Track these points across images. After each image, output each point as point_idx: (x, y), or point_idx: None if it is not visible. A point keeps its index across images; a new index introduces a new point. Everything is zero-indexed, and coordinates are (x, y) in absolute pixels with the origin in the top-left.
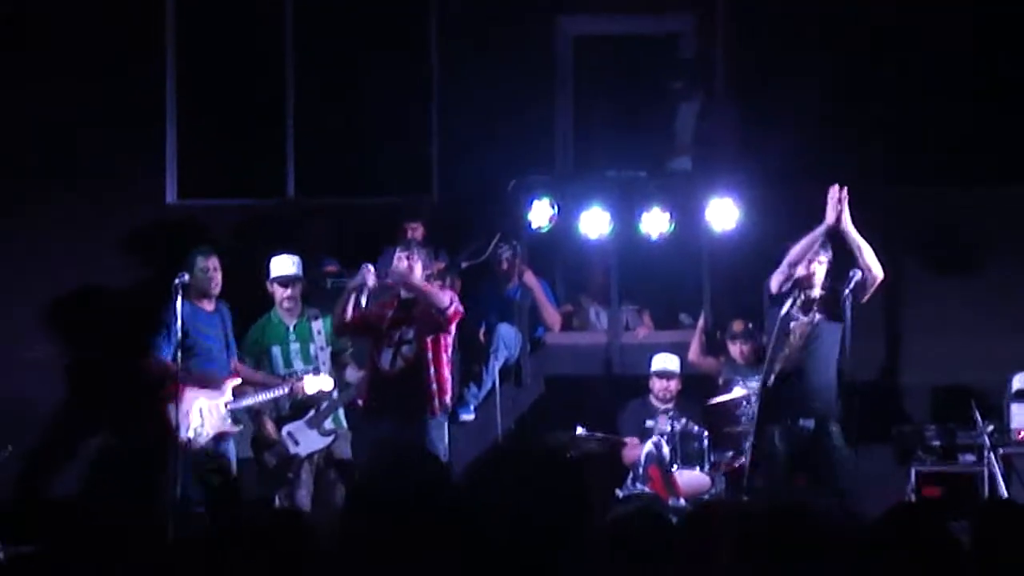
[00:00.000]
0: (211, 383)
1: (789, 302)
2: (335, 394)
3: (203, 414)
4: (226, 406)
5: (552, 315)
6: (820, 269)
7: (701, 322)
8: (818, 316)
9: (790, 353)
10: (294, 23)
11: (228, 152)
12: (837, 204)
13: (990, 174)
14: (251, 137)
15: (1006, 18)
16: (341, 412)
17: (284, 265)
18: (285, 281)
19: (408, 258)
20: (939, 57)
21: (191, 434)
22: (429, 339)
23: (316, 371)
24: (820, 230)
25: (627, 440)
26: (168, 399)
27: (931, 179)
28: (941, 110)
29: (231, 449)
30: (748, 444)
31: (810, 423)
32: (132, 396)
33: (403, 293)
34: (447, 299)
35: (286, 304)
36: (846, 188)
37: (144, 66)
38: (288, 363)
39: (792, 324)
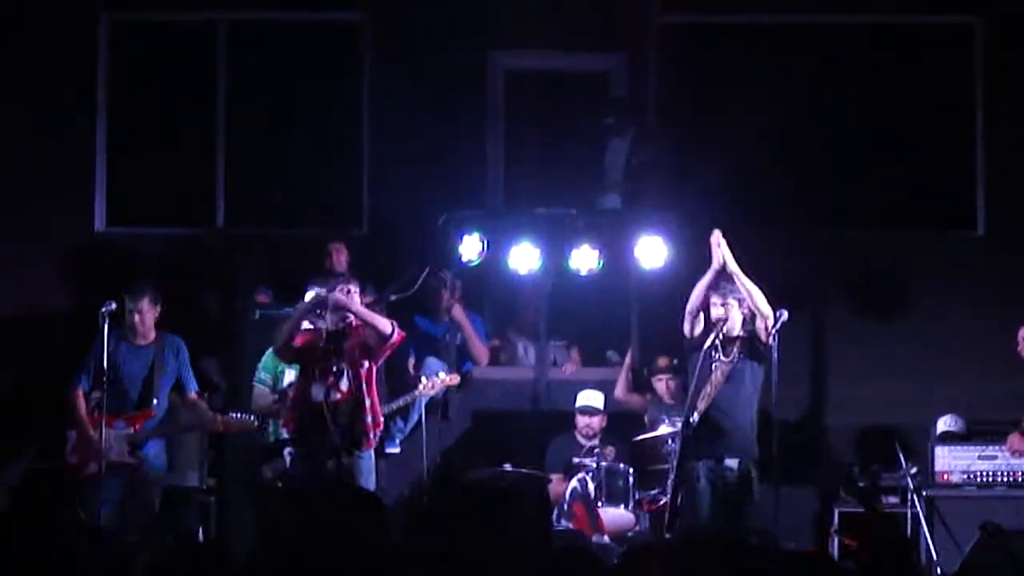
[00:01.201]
0: (119, 416)
1: (708, 342)
2: None
3: (107, 444)
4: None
5: (480, 350)
6: (734, 310)
7: (628, 359)
8: (739, 356)
9: (712, 392)
10: (226, 54)
11: (158, 181)
12: (717, 247)
13: (917, 219)
14: (181, 166)
15: (944, 65)
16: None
17: None
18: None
19: (347, 284)
20: (872, 101)
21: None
22: (363, 371)
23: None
24: (708, 276)
25: (552, 477)
26: (72, 428)
27: (859, 222)
28: (871, 154)
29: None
30: (670, 481)
31: (734, 462)
32: (57, 422)
33: (330, 324)
34: (389, 325)
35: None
36: (720, 232)
37: (75, 92)
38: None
39: (713, 365)
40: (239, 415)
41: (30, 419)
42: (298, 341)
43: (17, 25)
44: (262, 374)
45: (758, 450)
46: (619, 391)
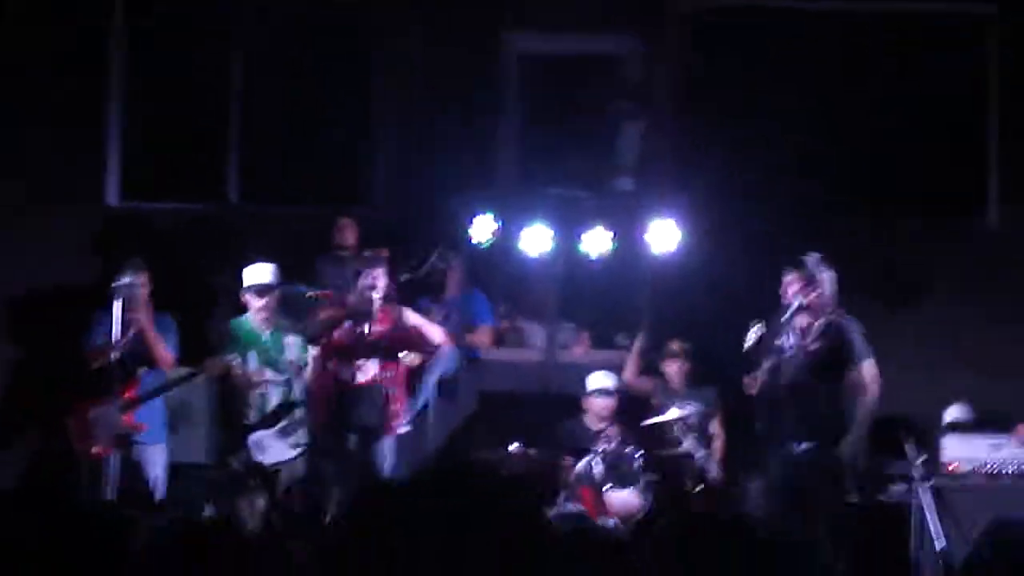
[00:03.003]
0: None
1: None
2: (304, 408)
3: (98, 423)
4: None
5: (482, 335)
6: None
7: (638, 343)
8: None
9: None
10: (241, 29)
11: (172, 156)
12: None
13: (929, 206)
14: (195, 142)
15: (955, 57)
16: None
17: (260, 274)
18: (261, 290)
19: (372, 276)
20: (885, 89)
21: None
22: (394, 362)
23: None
24: None
25: (561, 460)
26: (69, 411)
27: (871, 210)
28: (884, 141)
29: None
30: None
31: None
32: (65, 399)
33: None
34: (438, 335)
35: (262, 314)
36: None
37: (89, 67)
38: (260, 369)
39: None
40: (222, 358)
41: (44, 396)
42: (336, 341)
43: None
44: (296, 352)
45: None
46: (628, 375)
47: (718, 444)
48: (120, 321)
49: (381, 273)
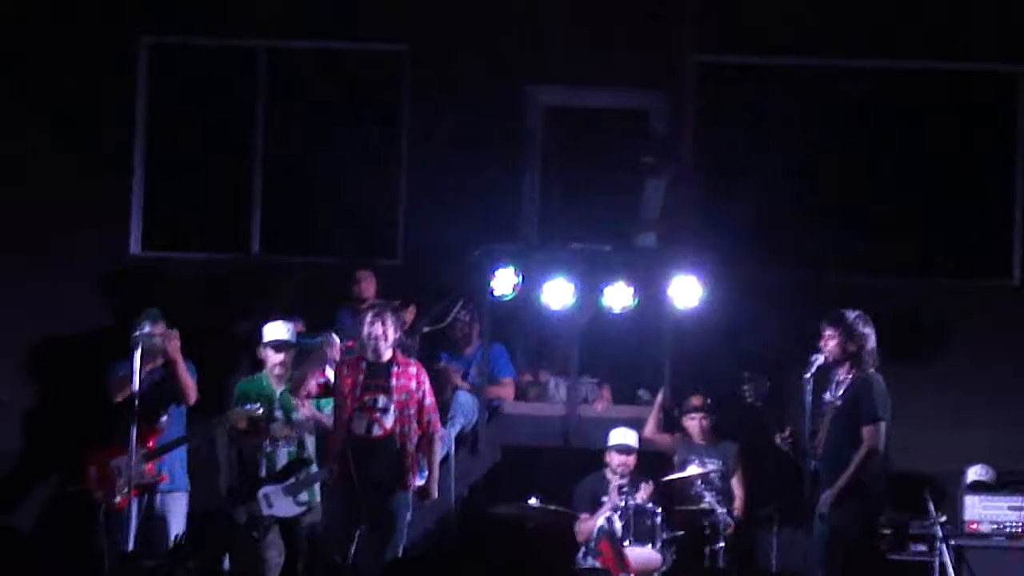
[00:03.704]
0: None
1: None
2: (314, 467)
3: (120, 472)
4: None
5: (503, 388)
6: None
7: (660, 398)
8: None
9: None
10: (266, 80)
11: (194, 206)
12: None
13: (953, 267)
14: (218, 193)
15: (984, 113)
16: (317, 486)
17: (278, 330)
18: (278, 346)
19: (380, 323)
20: (910, 147)
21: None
22: (411, 409)
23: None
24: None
25: (581, 516)
26: (90, 461)
27: (895, 269)
28: (908, 201)
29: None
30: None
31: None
32: (86, 446)
33: (370, 357)
34: (438, 425)
35: (277, 370)
36: None
37: (114, 116)
38: (284, 424)
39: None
40: (246, 407)
41: (62, 440)
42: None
43: (59, 47)
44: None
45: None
46: (648, 430)
47: (739, 500)
48: (138, 371)
49: (390, 322)
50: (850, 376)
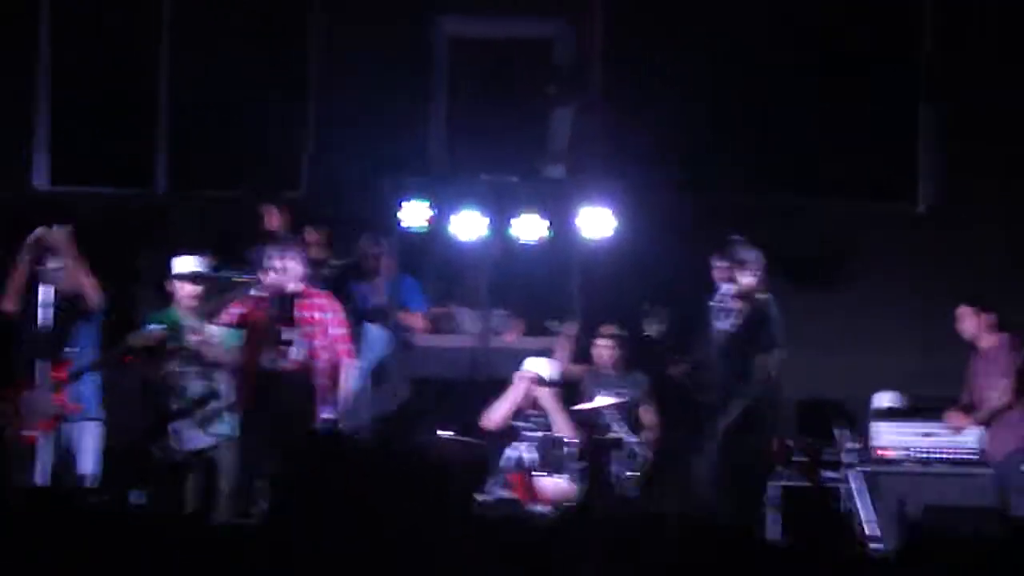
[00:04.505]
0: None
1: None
2: (223, 400)
3: (30, 406)
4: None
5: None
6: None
7: (570, 329)
8: None
9: None
10: (172, 11)
11: (100, 141)
12: None
13: (858, 189)
14: (124, 127)
15: (893, 41)
16: (231, 420)
17: (188, 263)
18: (192, 277)
19: (282, 258)
20: (820, 71)
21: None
22: (316, 342)
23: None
24: None
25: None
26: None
27: (799, 192)
28: (815, 124)
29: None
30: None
31: None
32: None
33: (274, 290)
34: (345, 349)
35: (187, 302)
36: None
37: (17, 50)
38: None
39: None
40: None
41: None
42: (243, 310)
43: None
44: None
45: None
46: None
47: (650, 432)
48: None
49: (293, 255)
50: (745, 305)
